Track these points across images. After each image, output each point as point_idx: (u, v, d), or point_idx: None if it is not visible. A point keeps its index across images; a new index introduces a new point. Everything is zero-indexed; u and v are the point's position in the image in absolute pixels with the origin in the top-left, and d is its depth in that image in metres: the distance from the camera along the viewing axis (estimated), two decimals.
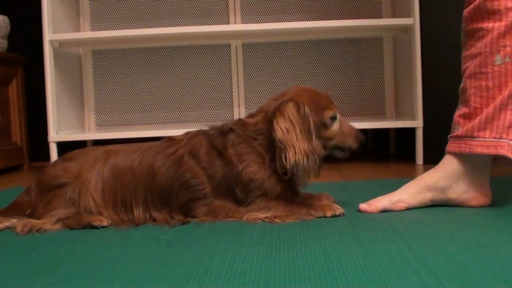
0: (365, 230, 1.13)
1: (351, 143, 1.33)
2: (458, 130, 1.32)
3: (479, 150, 1.26)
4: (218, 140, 1.31)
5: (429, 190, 1.32)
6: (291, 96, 1.29)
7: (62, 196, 1.28)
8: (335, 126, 1.31)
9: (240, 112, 2.83)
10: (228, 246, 1.04)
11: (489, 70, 1.27)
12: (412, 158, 2.40)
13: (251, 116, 1.36)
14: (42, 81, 2.37)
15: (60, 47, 2.50)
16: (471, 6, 1.31)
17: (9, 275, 0.92)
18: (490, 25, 1.27)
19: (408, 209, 1.32)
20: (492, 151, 1.25)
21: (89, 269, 0.93)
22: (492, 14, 1.26)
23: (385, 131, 2.91)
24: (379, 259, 0.91)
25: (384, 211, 1.31)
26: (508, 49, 1.25)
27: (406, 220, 1.22)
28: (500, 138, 1.25)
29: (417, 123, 2.34)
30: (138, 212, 1.29)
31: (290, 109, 1.26)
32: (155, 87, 2.86)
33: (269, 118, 1.29)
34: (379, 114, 2.82)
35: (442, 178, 1.31)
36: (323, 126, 1.30)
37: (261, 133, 1.30)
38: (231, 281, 0.83)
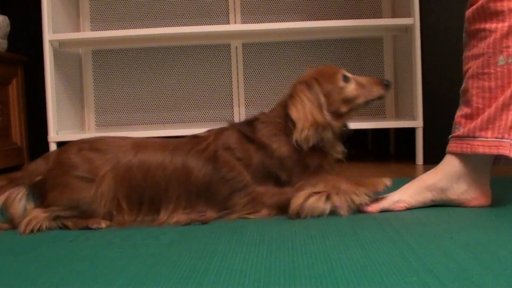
0: (365, 230, 1.13)
1: (377, 91, 1.37)
2: (459, 130, 1.32)
3: (481, 150, 1.26)
4: (246, 128, 1.35)
5: (429, 190, 1.32)
6: (299, 79, 1.37)
7: (75, 190, 1.24)
8: (352, 85, 1.36)
9: (240, 112, 2.83)
10: (228, 246, 1.04)
11: (492, 71, 1.27)
12: (412, 158, 2.40)
13: (271, 110, 1.42)
14: (42, 81, 2.37)
15: (60, 47, 2.50)
16: (474, 6, 1.30)
17: (9, 275, 0.92)
18: (493, 25, 1.27)
19: (408, 209, 1.32)
20: (494, 151, 1.25)
21: (89, 269, 0.93)
22: (495, 15, 1.26)
23: (385, 131, 2.91)
24: (379, 259, 0.91)
25: (384, 211, 1.31)
26: (511, 50, 1.25)
27: (406, 220, 1.22)
28: (502, 138, 1.25)
29: (417, 123, 2.34)
30: (166, 210, 1.27)
31: (299, 89, 1.33)
32: (155, 87, 2.86)
33: (284, 104, 1.36)
34: (379, 114, 2.82)
35: (443, 178, 1.31)
36: (340, 90, 1.34)
37: (283, 117, 1.35)
38: (231, 281, 0.83)
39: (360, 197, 1.26)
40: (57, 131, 2.40)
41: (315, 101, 1.31)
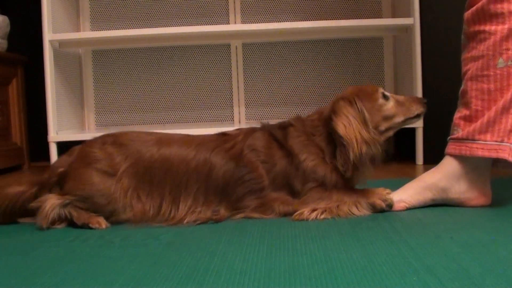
0: (365, 230, 1.13)
1: (416, 109, 1.39)
2: (458, 132, 1.32)
3: (480, 153, 1.26)
4: (278, 132, 1.35)
5: (430, 190, 1.32)
6: (340, 96, 1.35)
7: (94, 183, 1.26)
8: (391, 103, 1.36)
9: (240, 112, 2.83)
10: (228, 246, 1.04)
11: (491, 73, 1.27)
12: (412, 158, 2.40)
13: (308, 116, 1.41)
14: (42, 81, 2.37)
15: (60, 47, 2.50)
16: (474, 8, 1.30)
17: (9, 275, 0.92)
18: (493, 28, 1.27)
19: (408, 209, 1.32)
20: (493, 154, 1.25)
21: (89, 269, 0.93)
22: (495, 17, 1.26)
23: None
24: (379, 259, 0.91)
25: (383, 211, 1.31)
26: (510, 52, 1.25)
27: (406, 220, 1.22)
28: (501, 142, 1.25)
29: (417, 123, 2.34)
30: (184, 206, 1.27)
31: (343, 106, 1.31)
32: (155, 87, 2.86)
33: (325, 117, 1.34)
34: None
35: (443, 178, 1.31)
36: (380, 108, 1.34)
37: (319, 130, 1.34)
38: (231, 281, 0.83)
39: (361, 211, 1.28)
40: (57, 131, 2.40)
41: (360, 118, 1.30)
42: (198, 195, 1.28)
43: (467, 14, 1.33)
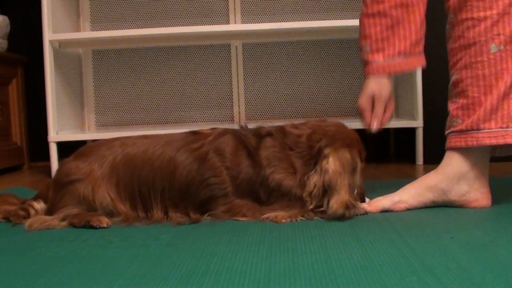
0: (365, 230, 1.13)
1: (351, 205, 1.26)
2: (458, 124, 1.30)
3: (487, 141, 1.26)
4: (252, 140, 1.30)
5: (431, 191, 1.32)
6: (348, 142, 1.28)
7: (73, 193, 1.28)
8: (357, 177, 1.30)
9: (240, 112, 2.83)
10: (228, 246, 1.04)
11: (485, 59, 1.27)
12: (412, 158, 2.40)
13: (294, 126, 1.34)
14: (42, 81, 2.37)
15: (60, 47, 2.50)
16: None
17: (9, 275, 0.92)
18: (482, 14, 1.26)
19: (409, 209, 1.32)
20: (501, 140, 1.25)
21: (89, 269, 0.93)
22: (482, 2, 1.26)
23: (385, 131, 2.91)
24: (379, 259, 0.91)
25: (384, 211, 1.31)
26: (502, 37, 1.25)
27: (406, 220, 1.22)
28: (507, 127, 1.25)
29: (417, 123, 2.34)
30: (156, 206, 1.28)
31: (346, 156, 1.25)
32: (155, 87, 2.86)
33: (317, 141, 1.27)
34: None
35: (443, 180, 1.31)
36: (358, 180, 1.30)
37: (300, 147, 1.28)
38: (231, 281, 0.83)
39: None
40: (57, 131, 2.40)
41: (352, 178, 1.25)
42: (164, 195, 1.28)
43: (452, 2, 1.33)
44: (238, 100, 2.83)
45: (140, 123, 2.87)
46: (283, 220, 1.23)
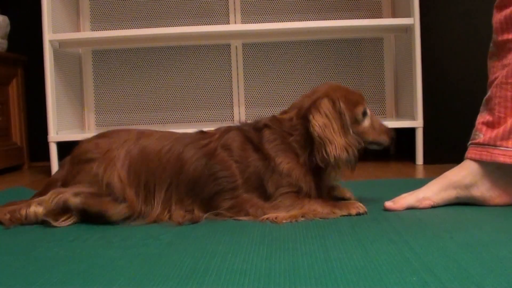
0: (365, 230, 1.13)
1: (383, 139, 1.36)
2: (479, 137, 1.33)
3: (501, 159, 1.28)
4: (253, 134, 1.33)
5: (454, 187, 1.32)
6: (325, 93, 1.32)
7: (89, 171, 1.29)
8: (366, 122, 1.34)
9: (240, 112, 2.83)
10: (228, 246, 1.04)
11: None
12: (412, 158, 2.40)
13: (284, 112, 1.38)
14: (42, 81, 2.37)
15: (60, 47, 2.50)
16: (502, 17, 1.32)
17: (9, 275, 0.92)
18: None
19: (433, 206, 1.32)
20: None
21: (89, 269, 0.93)
22: None
23: None
24: (379, 259, 0.91)
25: (409, 208, 1.31)
26: None
27: (406, 220, 1.22)
28: None
29: (417, 123, 2.34)
30: (159, 200, 1.29)
31: (326, 105, 1.29)
32: (155, 87, 2.86)
33: (303, 114, 1.31)
34: (379, 114, 2.82)
35: (467, 175, 1.31)
36: (355, 121, 1.32)
37: (296, 129, 1.32)
38: (231, 281, 0.83)
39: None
40: (57, 131, 2.40)
41: (340, 121, 1.28)
42: (170, 190, 1.29)
43: (496, 23, 1.35)
44: (238, 100, 2.83)
45: (140, 123, 2.87)
46: (284, 221, 1.23)
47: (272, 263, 0.92)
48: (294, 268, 0.88)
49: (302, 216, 1.25)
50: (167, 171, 1.30)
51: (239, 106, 2.83)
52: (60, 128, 2.45)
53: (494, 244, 0.99)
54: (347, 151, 1.26)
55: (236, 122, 1.41)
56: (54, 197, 1.25)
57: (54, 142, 2.37)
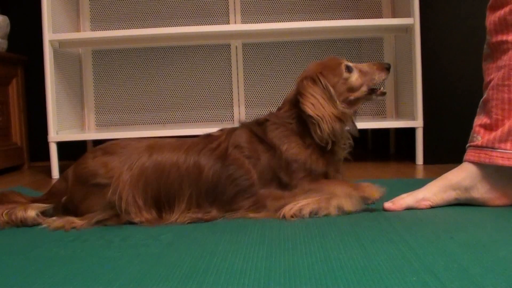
0: (365, 230, 1.13)
1: (378, 77, 1.39)
2: (478, 140, 1.33)
3: (500, 161, 1.27)
4: (257, 129, 1.36)
5: (454, 189, 1.32)
6: (304, 75, 1.37)
7: (101, 197, 1.26)
8: (355, 74, 1.38)
9: (240, 112, 2.83)
10: (228, 246, 1.04)
11: None
12: (412, 158, 2.40)
13: (279, 109, 1.42)
14: (42, 81, 2.37)
15: (60, 47, 2.50)
16: (496, 18, 1.32)
17: (9, 275, 0.92)
18: None
19: (432, 207, 1.32)
20: None
21: (89, 269, 0.93)
22: None
23: (385, 131, 2.91)
24: (379, 259, 0.91)
25: (408, 208, 1.31)
26: None
27: (406, 220, 1.22)
28: None
29: (417, 123, 2.34)
30: (179, 210, 1.28)
31: (307, 85, 1.33)
32: (155, 87, 2.86)
33: (294, 103, 1.36)
34: (379, 114, 2.82)
35: (467, 177, 1.31)
36: (344, 81, 1.36)
37: (293, 117, 1.36)
38: (231, 281, 0.83)
39: (351, 206, 1.27)
40: (57, 131, 2.40)
41: (326, 95, 1.32)
42: (191, 199, 1.29)
43: (490, 24, 1.34)
44: (238, 100, 2.83)
45: (140, 123, 2.87)
46: (304, 212, 1.25)
47: (272, 263, 0.92)
48: (294, 268, 0.88)
49: (322, 200, 1.26)
50: (186, 181, 1.29)
51: (239, 106, 2.83)
52: (60, 128, 2.45)
53: (494, 244, 0.99)
54: (340, 120, 1.30)
55: (236, 123, 1.42)
56: (64, 224, 1.25)
57: (54, 142, 2.37)
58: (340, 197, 1.27)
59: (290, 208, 1.26)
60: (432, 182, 1.35)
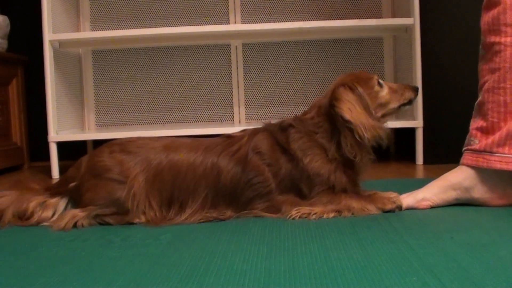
0: (365, 230, 1.13)
1: (408, 95, 1.39)
2: (475, 144, 1.32)
3: (498, 165, 1.27)
4: (280, 135, 1.34)
5: (454, 189, 1.32)
6: (339, 83, 1.34)
7: (109, 192, 1.26)
8: (385, 90, 1.37)
9: (240, 112, 2.83)
10: (228, 246, 1.04)
11: (508, 85, 1.28)
12: (412, 158, 2.40)
13: (304, 113, 1.39)
14: (42, 81, 2.37)
15: (60, 47, 2.50)
16: (490, 19, 1.31)
17: (9, 275, 0.92)
18: (508, 39, 1.28)
19: (432, 207, 1.32)
20: (511, 167, 1.26)
21: (89, 269, 0.93)
22: (510, 27, 1.27)
23: None
24: (379, 259, 0.91)
25: (408, 209, 1.31)
26: None
27: (406, 220, 1.22)
28: None
29: (417, 123, 2.34)
30: (191, 209, 1.28)
31: (344, 92, 1.31)
32: (155, 87, 2.86)
33: (325, 108, 1.33)
34: None
35: (466, 178, 1.31)
36: (376, 95, 1.34)
37: (320, 126, 1.33)
38: (231, 281, 0.83)
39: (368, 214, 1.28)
40: (57, 131, 2.40)
41: (362, 104, 1.30)
42: (206, 200, 1.29)
43: (483, 25, 1.34)
44: (238, 100, 2.83)
45: (140, 123, 2.87)
46: (314, 216, 1.25)
47: (272, 263, 0.92)
48: (294, 268, 0.88)
49: (337, 212, 1.27)
50: (203, 183, 1.28)
51: (239, 106, 2.83)
52: (60, 128, 2.45)
53: (494, 244, 0.99)
54: (374, 129, 1.27)
55: (238, 125, 1.41)
56: (68, 220, 1.25)
57: (54, 142, 2.36)
58: (355, 209, 1.28)
59: (302, 212, 1.26)
60: (432, 183, 1.35)
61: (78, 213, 1.26)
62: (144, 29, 2.50)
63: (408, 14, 2.37)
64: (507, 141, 1.27)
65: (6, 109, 2.69)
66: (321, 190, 1.29)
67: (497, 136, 1.28)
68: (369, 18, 2.73)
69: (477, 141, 1.32)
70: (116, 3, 2.84)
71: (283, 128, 1.35)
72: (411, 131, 2.38)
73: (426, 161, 2.32)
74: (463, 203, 1.34)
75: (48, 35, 2.36)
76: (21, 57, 2.80)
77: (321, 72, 2.82)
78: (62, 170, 2.36)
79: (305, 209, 1.27)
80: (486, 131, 1.31)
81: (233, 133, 1.39)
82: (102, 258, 0.99)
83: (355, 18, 2.64)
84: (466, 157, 1.33)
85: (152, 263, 0.95)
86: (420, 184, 1.38)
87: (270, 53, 2.83)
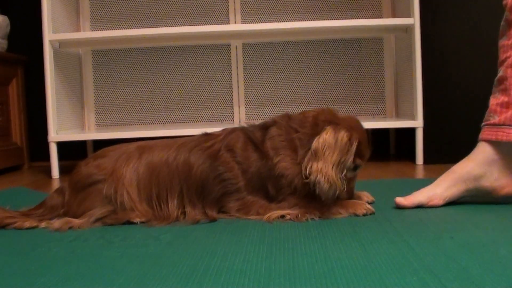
0: (366, 230, 1.13)
1: (345, 195, 1.30)
2: (494, 119, 1.31)
3: None
4: (257, 133, 1.33)
5: (463, 181, 1.31)
6: (349, 126, 1.27)
7: (98, 194, 1.28)
8: (352, 174, 1.31)
9: (240, 112, 2.83)
10: (228, 246, 1.04)
11: None
12: (412, 158, 2.40)
13: (301, 112, 1.35)
14: (42, 81, 2.37)
15: (60, 47, 2.50)
16: None
17: (9, 275, 0.92)
18: None
19: (444, 203, 1.31)
20: None
21: (89, 269, 0.93)
22: None
23: (385, 131, 2.91)
24: (379, 259, 0.91)
25: (419, 206, 1.31)
26: None
27: (406, 220, 1.22)
28: None
29: (417, 123, 2.34)
30: (173, 206, 1.29)
31: (343, 135, 1.23)
32: (155, 87, 2.86)
33: (319, 121, 1.28)
34: (379, 114, 2.82)
35: (475, 166, 1.31)
36: (353, 171, 1.30)
37: (305, 126, 1.29)
38: (231, 281, 0.83)
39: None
40: (57, 131, 2.40)
41: (342, 157, 1.23)
42: (181, 195, 1.30)
43: (509, 1, 1.32)
44: (238, 100, 2.83)
45: (140, 123, 2.87)
46: (288, 217, 1.24)
47: (272, 263, 0.92)
48: (294, 268, 0.88)
49: (307, 214, 1.24)
50: (176, 178, 1.30)
51: (239, 106, 2.83)
52: (60, 128, 2.45)
53: (494, 244, 0.99)
54: (330, 186, 1.21)
55: (242, 123, 1.40)
56: (66, 227, 1.24)
57: (54, 142, 2.36)
58: (327, 214, 1.26)
59: (274, 216, 1.25)
60: (441, 177, 1.34)
61: (74, 221, 1.25)
62: (144, 29, 2.50)
63: (408, 14, 2.37)
64: None
65: (6, 109, 2.69)
66: (287, 192, 1.28)
67: None
68: (369, 18, 2.74)
69: (496, 116, 1.31)
70: (116, 3, 2.84)
71: (265, 126, 1.34)
72: (411, 131, 2.39)
73: (426, 161, 2.32)
74: (465, 202, 1.33)
75: (48, 35, 2.36)
76: (21, 57, 2.80)
77: (321, 72, 2.82)
78: (62, 170, 2.37)
79: (276, 212, 1.25)
80: (506, 106, 1.30)
81: (212, 131, 1.39)
82: (102, 258, 0.99)
83: (355, 18, 2.64)
84: (485, 132, 1.32)
85: (152, 263, 0.95)
86: (420, 184, 1.38)
87: (270, 53, 2.83)
